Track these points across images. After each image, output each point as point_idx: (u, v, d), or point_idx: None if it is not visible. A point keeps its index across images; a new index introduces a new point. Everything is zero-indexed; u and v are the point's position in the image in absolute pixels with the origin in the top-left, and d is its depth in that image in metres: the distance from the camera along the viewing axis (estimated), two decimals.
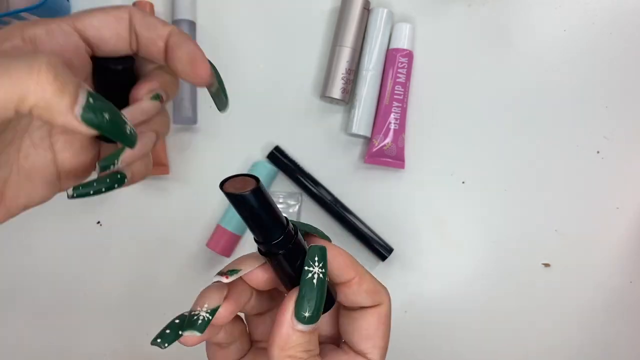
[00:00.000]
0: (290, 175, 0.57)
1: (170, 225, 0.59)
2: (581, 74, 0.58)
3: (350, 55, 0.56)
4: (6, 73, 0.19)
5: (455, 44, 0.58)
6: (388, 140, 0.56)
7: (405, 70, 0.56)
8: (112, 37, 0.26)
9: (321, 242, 0.26)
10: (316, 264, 0.24)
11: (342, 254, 0.26)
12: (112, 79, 0.27)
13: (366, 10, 0.56)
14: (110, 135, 0.22)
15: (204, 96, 0.57)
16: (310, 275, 0.24)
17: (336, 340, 0.30)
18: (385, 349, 0.27)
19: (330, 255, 0.26)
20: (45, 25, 0.24)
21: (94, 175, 0.27)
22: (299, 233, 0.25)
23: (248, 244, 0.59)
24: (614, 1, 0.58)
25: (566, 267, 0.58)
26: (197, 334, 0.23)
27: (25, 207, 0.26)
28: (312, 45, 0.59)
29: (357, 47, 0.56)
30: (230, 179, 0.23)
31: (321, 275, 0.24)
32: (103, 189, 0.26)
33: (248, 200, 0.22)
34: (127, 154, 0.26)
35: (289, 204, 0.57)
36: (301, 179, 0.57)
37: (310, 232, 0.27)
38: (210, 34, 0.59)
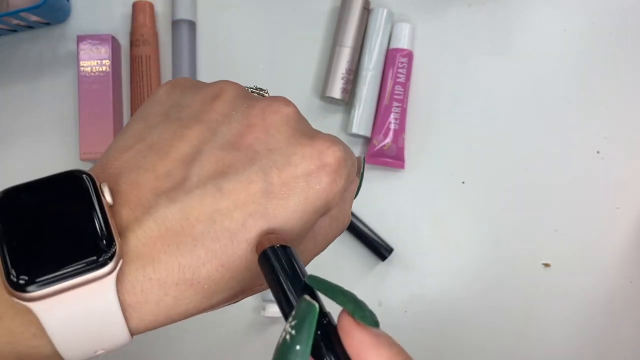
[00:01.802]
0: None
1: None
2: (581, 74, 0.58)
3: (350, 55, 0.56)
4: None
5: (455, 44, 0.58)
6: (388, 140, 0.56)
7: (405, 70, 0.56)
8: None
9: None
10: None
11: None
12: None
13: (366, 10, 0.56)
14: None
15: None
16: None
17: None
18: None
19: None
20: None
21: None
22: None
23: None
24: (614, 1, 0.58)
25: (566, 267, 0.58)
26: None
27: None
28: (312, 45, 0.59)
29: (357, 47, 0.56)
30: None
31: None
32: None
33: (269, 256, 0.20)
34: None
35: None
36: None
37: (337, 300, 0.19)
38: (210, 34, 0.59)
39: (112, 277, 0.19)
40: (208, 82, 0.27)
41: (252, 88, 0.28)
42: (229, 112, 0.23)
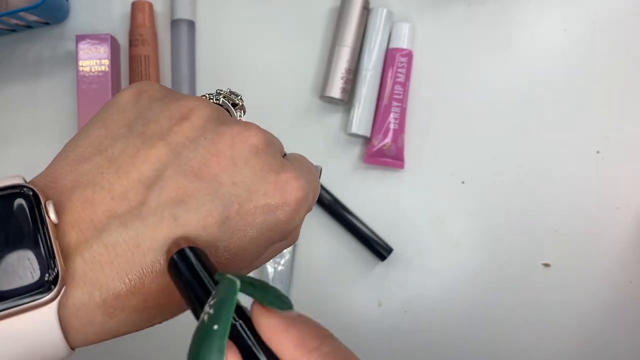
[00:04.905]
0: None
1: None
2: (581, 74, 0.58)
3: (350, 54, 0.56)
4: None
5: (455, 44, 0.58)
6: (387, 140, 0.56)
7: (404, 70, 0.56)
8: None
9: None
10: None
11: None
12: None
13: (366, 9, 0.56)
14: None
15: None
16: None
17: None
18: None
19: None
20: None
21: None
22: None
23: None
24: (614, 1, 0.58)
25: (566, 267, 0.58)
26: None
27: None
28: (311, 45, 0.59)
29: (357, 46, 0.56)
30: None
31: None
32: None
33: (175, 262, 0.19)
34: None
35: None
36: None
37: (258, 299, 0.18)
38: (210, 34, 0.58)
39: (54, 303, 0.18)
40: (184, 92, 0.25)
41: (226, 92, 0.27)
42: (197, 137, 0.22)
